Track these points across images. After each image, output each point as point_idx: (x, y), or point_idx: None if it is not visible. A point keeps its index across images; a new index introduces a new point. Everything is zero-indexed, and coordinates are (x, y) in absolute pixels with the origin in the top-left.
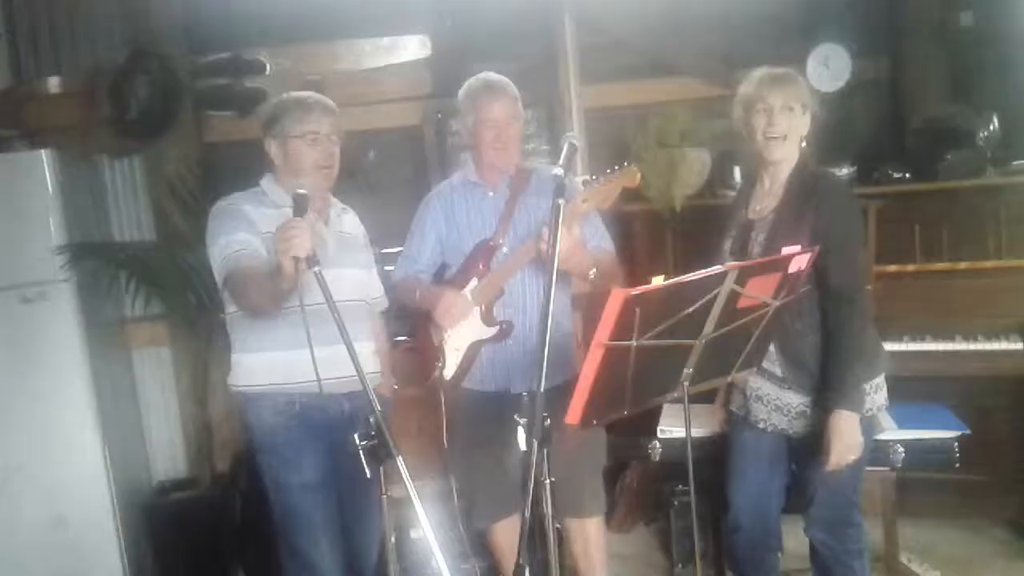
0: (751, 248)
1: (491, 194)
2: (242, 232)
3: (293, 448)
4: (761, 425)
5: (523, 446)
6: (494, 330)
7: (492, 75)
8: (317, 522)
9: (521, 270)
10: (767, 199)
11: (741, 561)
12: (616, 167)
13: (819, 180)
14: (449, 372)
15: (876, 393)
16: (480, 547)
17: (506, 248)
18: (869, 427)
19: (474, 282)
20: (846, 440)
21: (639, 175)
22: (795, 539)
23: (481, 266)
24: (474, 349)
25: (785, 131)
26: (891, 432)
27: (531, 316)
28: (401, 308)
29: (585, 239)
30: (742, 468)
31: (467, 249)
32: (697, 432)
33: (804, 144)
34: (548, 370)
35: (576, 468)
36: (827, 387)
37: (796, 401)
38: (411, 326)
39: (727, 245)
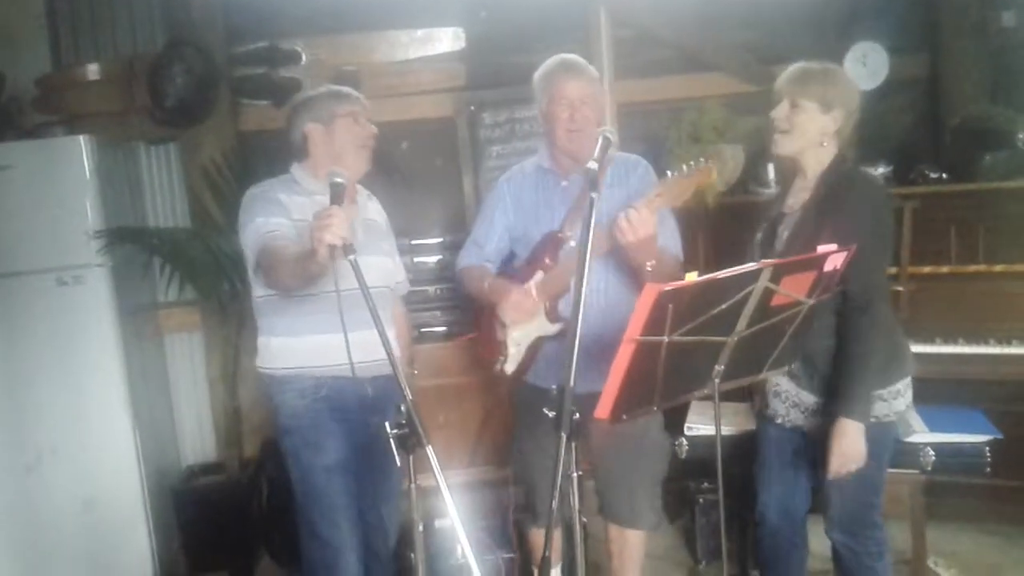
0: (776, 243)
1: (564, 183)
2: (275, 216)
3: (316, 430)
4: (779, 420)
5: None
6: (558, 327)
7: (570, 56)
8: (337, 504)
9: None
10: (799, 195)
11: (768, 557)
12: (692, 163)
13: (850, 181)
14: (510, 367)
15: (895, 399)
16: (506, 539)
17: (573, 242)
18: (885, 432)
19: (539, 275)
20: (845, 449)
21: (715, 172)
22: (819, 539)
23: (547, 259)
24: (536, 345)
25: (788, 127)
26: (922, 435)
27: (598, 312)
28: (433, 295)
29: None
30: (768, 463)
31: (534, 240)
32: (724, 430)
33: (825, 144)
34: (604, 371)
35: (632, 477)
36: (835, 392)
37: (811, 399)
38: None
39: (758, 237)
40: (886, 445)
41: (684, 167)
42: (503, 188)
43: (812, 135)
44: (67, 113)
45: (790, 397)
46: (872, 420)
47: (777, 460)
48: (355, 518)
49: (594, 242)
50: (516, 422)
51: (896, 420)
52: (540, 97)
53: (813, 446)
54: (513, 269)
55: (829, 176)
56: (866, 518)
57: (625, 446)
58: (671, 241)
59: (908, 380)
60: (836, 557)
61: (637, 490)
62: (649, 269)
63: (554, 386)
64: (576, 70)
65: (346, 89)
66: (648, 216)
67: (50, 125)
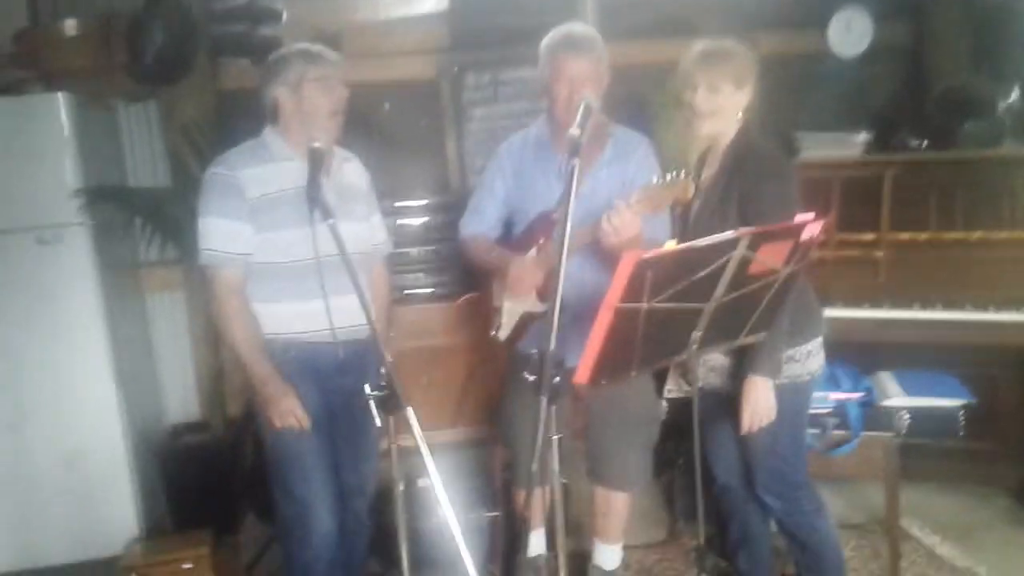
0: (688, 215)
1: (560, 158)
2: (227, 219)
3: None
4: (700, 384)
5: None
6: (545, 306)
7: (578, 27)
8: (308, 463)
9: (581, 249)
10: (709, 169)
11: (724, 514)
12: (675, 174)
13: (750, 153)
14: (503, 334)
15: (808, 360)
16: (490, 498)
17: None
18: (801, 393)
19: (532, 252)
20: (754, 405)
21: (691, 189)
22: None
23: (541, 239)
24: (525, 320)
25: (709, 109)
26: (898, 399)
27: (587, 292)
28: (416, 256)
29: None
30: (703, 425)
31: (531, 214)
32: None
33: (740, 117)
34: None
35: (625, 442)
36: (745, 353)
37: (724, 361)
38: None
39: (677, 210)
40: (802, 405)
41: (667, 177)
42: (504, 156)
43: (730, 114)
44: (44, 70)
45: (706, 360)
46: (785, 381)
47: (707, 422)
48: (327, 476)
49: (576, 238)
50: (504, 386)
51: (811, 381)
52: (543, 67)
53: (733, 407)
54: (510, 242)
55: (734, 148)
56: (789, 478)
57: (619, 411)
58: (661, 233)
59: (819, 340)
60: (777, 522)
61: (629, 455)
62: None
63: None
64: (581, 46)
65: (318, 48)
66: (631, 218)
67: (27, 81)
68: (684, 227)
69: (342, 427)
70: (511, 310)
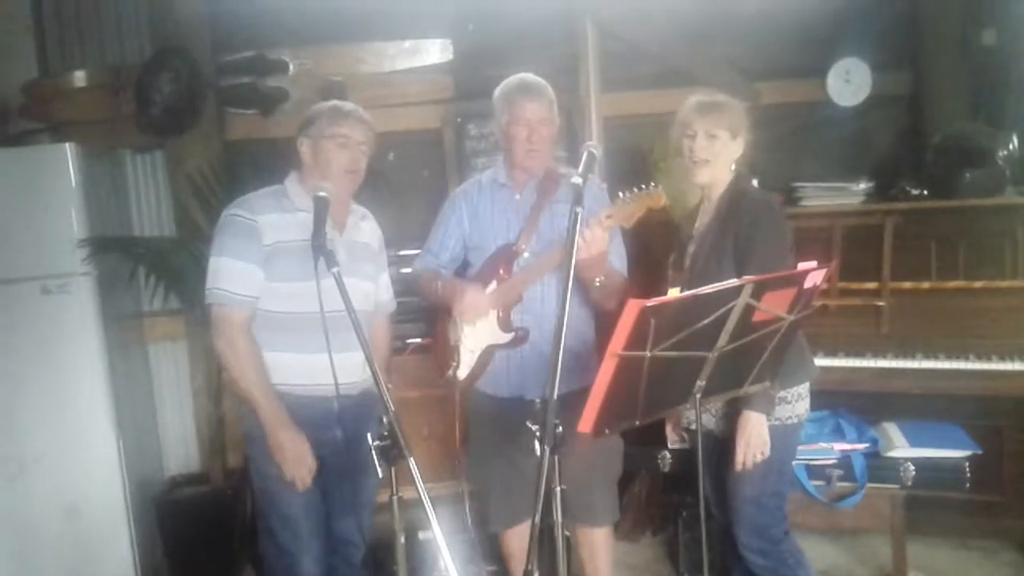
0: (685, 261)
1: (517, 196)
2: (242, 261)
3: None
4: (692, 426)
5: (537, 452)
6: (509, 336)
7: (529, 76)
8: (295, 513)
9: (542, 277)
10: (704, 217)
11: (726, 555)
12: (644, 186)
13: (745, 200)
14: (463, 373)
15: (797, 402)
16: (489, 551)
17: (528, 254)
18: (788, 436)
19: (493, 285)
20: (749, 437)
21: (664, 198)
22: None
23: (502, 271)
24: (488, 353)
25: (707, 156)
26: (902, 450)
27: (548, 323)
28: (418, 305)
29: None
30: (702, 466)
31: (489, 250)
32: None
33: (734, 167)
34: (563, 375)
35: (590, 477)
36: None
37: (716, 403)
38: (427, 323)
39: (672, 258)
40: (789, 451)
41: (635, 189)
42: (459, 200)
43: (725, 162)
44: (53, 121)
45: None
46: (775, 422)
47: (705, 463)
48: (314, 527)
49: (548, 258)
50: (467, 433)
51: (799, 425)
52: (499, 115)
53: (722, 451)
54: (468, 277)
55: (728, 197)
56: (770, 532)
57: (584, 450)
58: (617, 260)
59: (807, 385)
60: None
61: (594, 489)
62: (598, 284)
63: (508, 395)
64: (535, 92)
65: (349, 108)
66: (600, 234)
67: (36, 132)
68: (681, 274)
69: (334, 478)
70: (472, 346)
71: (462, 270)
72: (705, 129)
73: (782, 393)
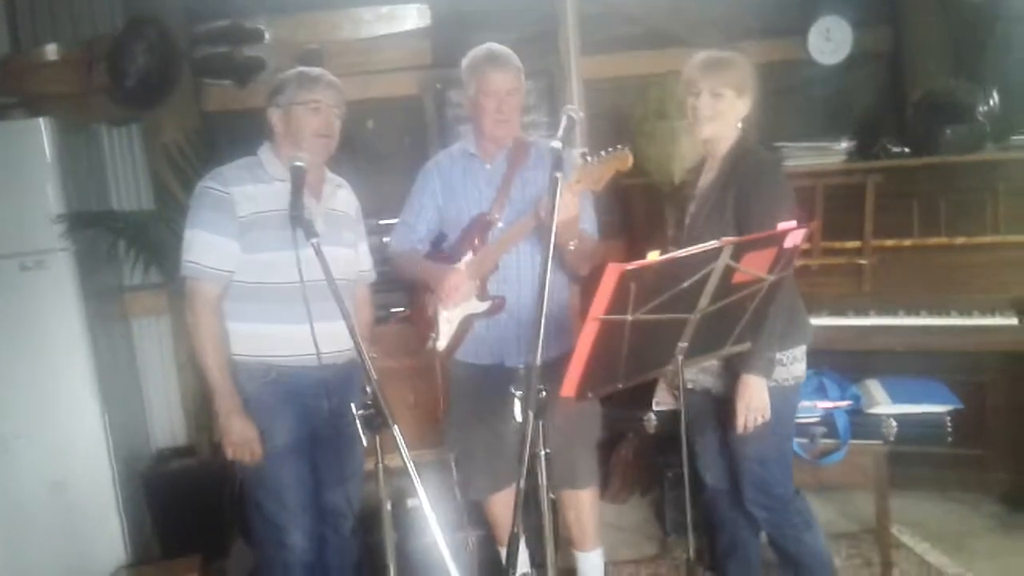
0: (685, 220)
1: (488, 166)
2: (215, 234)
3: (264, 413)
4: (690, 385)
5: (519, 418)
6: (486, 305)
7: (496, 46)
8: (284, 485)
9: (516, 245)
10: (707, 175)
11: (714, 520)
12: (610, 149)
13: (750, 158)
14: (442, 344)
15: (792, 364)
16: (475, 517)
17: (502, 223)
18: (787, 398)
19: (469, 256)
20: (750, 402)
21: (631, 159)
22: None
23: (476, 240)
24: (467, 323)
25: (711, 113)
26: (884, 406)
27: (525, 290)
28: (397, 279)
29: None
30: (693, 429)
31: (464, 221)
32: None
33: (740, 125)
34: (545, 342)
35: (571, 441)
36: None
37: (715, 361)
38: (406, 296)
39: (674, 217)
40: (789, 412)
41: (602, 152)
42: (432, 172)
43: (730, 120)
44: (26, 95)
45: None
46: (772, 384)
47: (697, 424)
48: (305, 499)
49: (521, 224)
50: (449, 401)
51: (796, 386)
52: (468, 86)
53: (722, 410)
54: (444, 249)
55: (732, 155)
56: (776, 490)
57: (565, 414)
58: (588, 224)
59: (804, 348)
60: (767, 535)
61: (575, 453)
62: (571, 248)
63: (489, 362)
64: (502, 62)
65: (316, 73)
66: (571, 199)
67: (9, 107)
68: (680, 233)
69: (324, 449)
70: (451, 317)
71: (439, 242)
72: (710, 87)
73: (779, 356)
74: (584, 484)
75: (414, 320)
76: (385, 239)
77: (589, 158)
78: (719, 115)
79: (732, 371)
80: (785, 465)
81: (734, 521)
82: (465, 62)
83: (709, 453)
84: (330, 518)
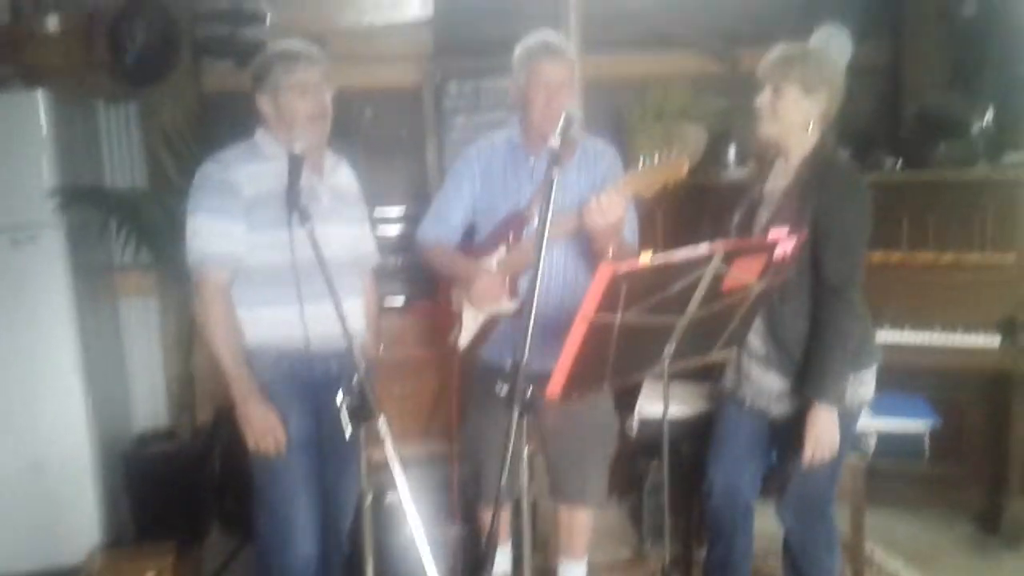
0: (754, 226)
1: (532, 160)
2: (221, 219)
3: (276, 406)
4: (747, 403)
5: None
6: (515, 305)
7: (552, 35)
8: (294, 480)
9: (558, 246)
10: (780, 179)
11: (712, 536)
12: (667, 155)
13: (832, 167)
14: (464, 340)
15: (860, 387)
16: (463, 514)
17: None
18: (849, 421)
19: (502, 251)
20: (823, 437)
21: (686, 168)
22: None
23: (511, 237)
24: (492, 322)
25: (769, 111)
26: (864, 420)
27: (555, 293)
28: (393, 266)
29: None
30: (721, 441)
31: (498, 214)
32: (677, 410)
33: (810, 127)
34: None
35: (585, 455)
36: (808, 376)
37: (778, 384)
38: (405, 284)
39: (735, 220)
40: (850, 435)
41: (657, 157)
42: (472, 159)
43: (794, 119)
44: (24, 66)
45: (756, 379)
46: (840, 408)
47: (731, 440)
48: (312, 492)
49: (560, 224)
50: (469, 398)
51: (861, 407)
52: (518, 74)
53: (776, 431)
54: (476, 243)
55: (811, 161)
56: (820, 508)
57: (576, 426)
58: (629, 232)
59: (874, 369)
60: (786, 547)
61: (588, 469)
62: (610, 256)
63: (508, 361)
64: (558, 54)
65: (297, 49)
66: (619, 201)
67: (6, 78)
68: (749, 235)
69: (335, 444)
70: (474, 313)
71: (469, 235)
72: (773, 83)
73: (850, 377)
74: (592, 502)
75: (438, 312)
76: (377, 229)
77: (643, 162)
78: (777, 114)
79: (797, 395)
80: (834, 481)
81: (734, 535)
82: (518, 49)
83: (725, 470)
84: (333, 520)
